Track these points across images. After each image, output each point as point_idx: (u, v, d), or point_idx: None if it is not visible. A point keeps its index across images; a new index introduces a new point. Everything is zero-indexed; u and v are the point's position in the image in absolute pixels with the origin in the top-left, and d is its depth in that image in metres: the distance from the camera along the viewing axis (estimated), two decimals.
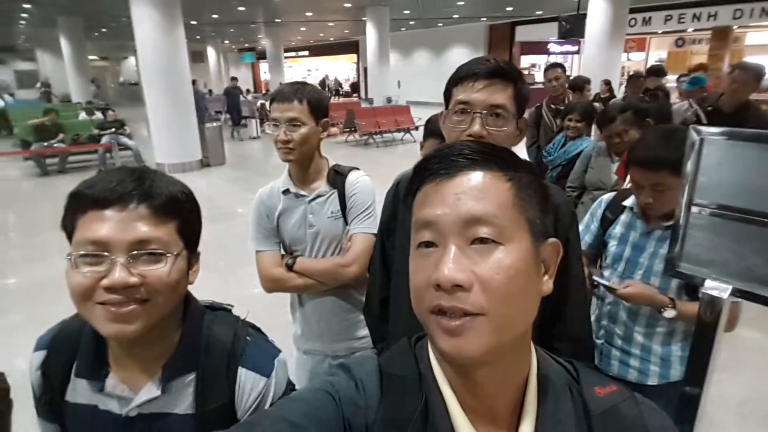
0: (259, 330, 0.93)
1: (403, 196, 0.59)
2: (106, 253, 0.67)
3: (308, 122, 1.49)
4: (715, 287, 1.00)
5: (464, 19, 18.33)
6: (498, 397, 0.54)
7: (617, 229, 1.59)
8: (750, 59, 14.04)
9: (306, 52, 31.03)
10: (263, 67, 30.39)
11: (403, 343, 0.62)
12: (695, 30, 15.21)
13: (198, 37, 23.42)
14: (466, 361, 0.50)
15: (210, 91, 19.32)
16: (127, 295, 0.67)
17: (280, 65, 21.12)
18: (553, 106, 3.97)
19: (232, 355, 0.80)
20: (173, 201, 0.73)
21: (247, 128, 13.63)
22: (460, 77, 1.06)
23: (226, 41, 28.38)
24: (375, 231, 1.49)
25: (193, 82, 11.24)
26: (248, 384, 0.80)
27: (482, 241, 0.49)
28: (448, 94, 1.10)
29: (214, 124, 9.74)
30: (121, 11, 10.34)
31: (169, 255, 0.71)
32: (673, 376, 1.50)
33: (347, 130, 12.21)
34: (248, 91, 21.48)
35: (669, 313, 1.39)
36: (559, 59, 18.48)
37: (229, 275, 4.40)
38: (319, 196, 1.57)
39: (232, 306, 0.92)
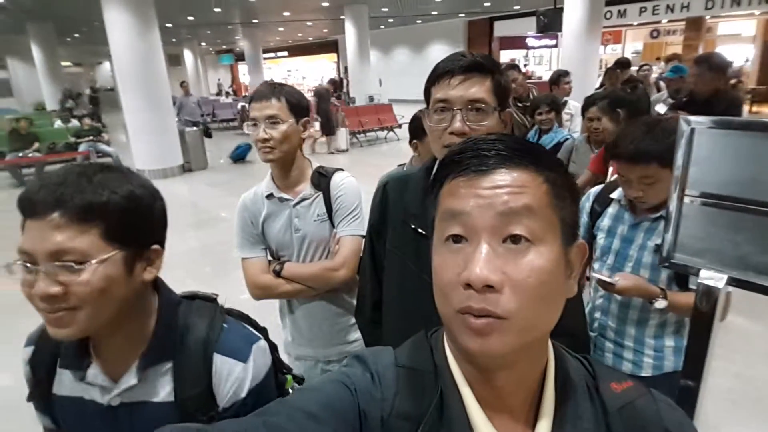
0: (247, 317, 0.94)
1: (428, 188, 0.57)
2: (29, 265, 0.68)
3: (287, 119, 1.46)
4: (711, 277, 0.99)
5: (442, 15, 18.34)
6: (516, 395, 0.54)
7: (605, 222, 1.58)
8: (722, 48, 14.30)
9: (285, 53, 30.75)
10: (242, 69, 30.01)
11: (420, 336, 0.61)
12: (669, 21, 15.48)
13: (174, 40, 22.95)
14: (489, 361, 0.50)
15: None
16: (53, 304, 0.68)
17: (260, 67, 20.88)
18: (519, 104, 4.04)
19: (207, 342, 0.82)
20: (93, 206, 0.69)
21: (335, 139, 10.51)
22: (436, 75, 1.04)
23: (203, 43, 27.89)
24: (363, 233, 1.46)
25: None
26: (224, 370, 0.81)
27: (514, 240, 0.48)
28: (427, 94, 1.08)
29: (194, 128, 9.57)
30: (93, 15, 10.04)
31: (91, 263, 0.69)
32: (666, 366, 1.50)
33: None
34: (228, 93, 21.18)
35: (660, 304, 1.38)
36: (538, 53, 18.74)
37: (216, 281, 4.32)
38: (304, 199, 1.53)
39: (217, 295, 0.92)
